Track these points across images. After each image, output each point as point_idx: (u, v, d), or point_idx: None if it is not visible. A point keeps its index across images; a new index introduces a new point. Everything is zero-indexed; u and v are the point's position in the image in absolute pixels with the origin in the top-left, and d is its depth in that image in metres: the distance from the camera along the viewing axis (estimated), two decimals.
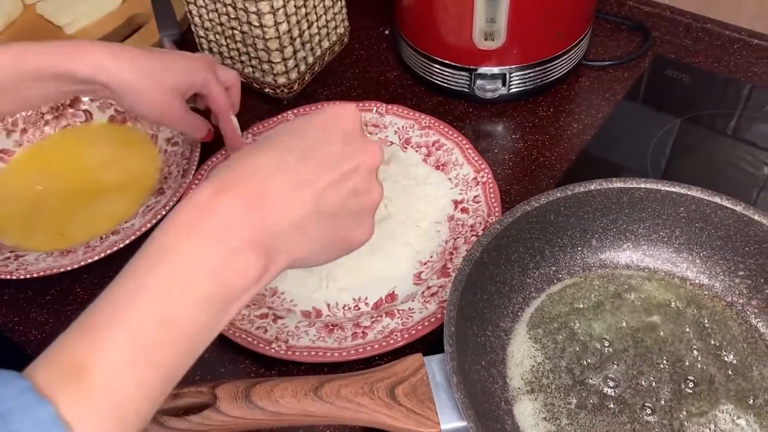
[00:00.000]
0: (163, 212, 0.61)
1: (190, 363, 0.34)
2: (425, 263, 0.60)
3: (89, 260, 0.59)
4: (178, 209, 0.35)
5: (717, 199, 0.53)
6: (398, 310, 0.56)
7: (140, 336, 0.32)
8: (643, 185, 0.54)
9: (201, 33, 0.74)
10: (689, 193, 0.53)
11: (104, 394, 0.30)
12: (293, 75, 0.73)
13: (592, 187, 0.54)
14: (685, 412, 0.48)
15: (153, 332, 0.32)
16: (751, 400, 0.48)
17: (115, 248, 0.59)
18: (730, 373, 0.50)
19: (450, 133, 0.67)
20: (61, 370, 0.31)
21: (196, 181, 0.65)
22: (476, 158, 0.65)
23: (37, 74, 0.52)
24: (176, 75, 0.57)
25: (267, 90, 0.74)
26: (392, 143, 0.69)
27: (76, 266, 0.59)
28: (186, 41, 0.83)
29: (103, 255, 0.59)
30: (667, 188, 0.54)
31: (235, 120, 0.64)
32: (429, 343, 0.54)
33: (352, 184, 0.39)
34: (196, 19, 0.73)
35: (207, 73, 0.59)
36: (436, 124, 0.68)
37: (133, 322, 0.32)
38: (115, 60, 0.54)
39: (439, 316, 0.54)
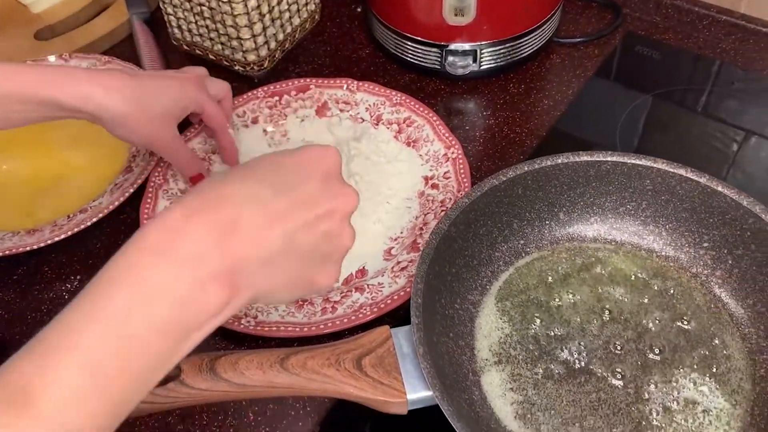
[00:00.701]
0: (131, 190, 0.61)
1: (144, 393, 0.32)
2: (395, 239, 0.60)
3: (56, 238, 0.58)
4: (146, 229, 0.33)
5: (682, 171, 0.53)
6: (368, 285, 0.56)
7: (92, 363, 0.29)
8: (609, 158, 0.55)
9: (170, 10, 0.73)
10: (655, 165, 0.54)
11: (50, 424, 0.28)
12: (263, 52, 0.72)
13: (560, 161, 0.55)
14: (650, 380, 0.49)
15: (107, 359, 0.30)
16: (714, 368, 0.49)
17: (82, 226, 0.59)
18: (694, 341, 0.51)
19: (421, 109, 0.67)
20: (7, 393, 0.28)
21: (164, 162, 0.64)
22: (447, 134, 0.65)
23: (22, 98, 0.51)
24: (166, 101, 0.56)
25: (237, 67, 0.74)
26: (363, 120, 0.69)
27: (42, 245, 0.58)
28: (155, 19, 0.82)
29: (70, 233, 0.58)
30: (633, 161, 0.54)
31: (232, 133, 0.64)
32: (398, 317, 0.54)
33: (326, 228, 0.38)
34: None
35: (198, 93, 0.59)
36: (407, 100, 0.68)
37: (86, 348, 0.30)
38: (104, 90, 0.53)
39: (408, 290, 0.54)
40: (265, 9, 0.69)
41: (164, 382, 0.41)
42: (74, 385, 0.29)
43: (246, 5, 0.67)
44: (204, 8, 0.69)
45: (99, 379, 0.30)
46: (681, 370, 0.49)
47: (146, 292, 0.31)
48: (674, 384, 0.49)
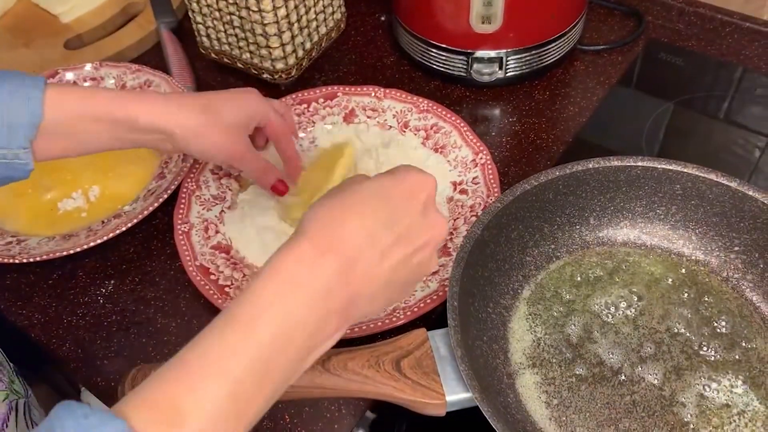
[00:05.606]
0: (165, 196, 0.62)
1: (265, 411, 0.35)
2: None
3: (92, 243, 0.59)
4: (280, 259, 0.36)
5: (712, 176, 0.54)
6: None
7: (237, 389, 0.33)
8: (640, 163, 0.55)
9: (199, 19, 0.74)
10: (685, 170, 0.54)
11: None
12: (291, 60, 0.73)
13: (590, 166, 0.55)
14: (684, 383, 0.49)
15: (250, 387, 0.33)
16: (748, 372, 0.50)
17: (117, 231, 0.59)
18: (727, 345, 0.51)
19: (448, 116, 0.68)
20: (158, 411, 0.31)
21: (197, 166, 0.65)
22: (474, 140, 0.65)
23: (95, 117, 0.51)
24: (236, 112, 0.57)
25: (265, 75, 0.75)
26: (391, 127, 0.70)
27: (78, 249, 0.59)
28: (182, 28, 0.83)
29: (105, 238, 0.59)
30: (663, 166, 0.55)
31: (296, 143, 0.65)
32: (430, 321, 0.55)
33: (419, 259, 0.41)
34: (194, 5, 0.73)
35: (264, 105, 0.60)
36: (434, 107, 0.69)
37: (235, 376, 0.33)
38: (177, 106, 0.54)
39: (440, 294, 0.55)
40: (293, 18, 0.70)
41: None
42: (221, 410, 0.32)
43: (276, 14, 0.68)
44: (234, 17, 0.70)
45: (240, 403, 0.33)
46: (714, 373, 0.50)
47: (288, 323, 0.35)
48: (708, 387, 0.49)
